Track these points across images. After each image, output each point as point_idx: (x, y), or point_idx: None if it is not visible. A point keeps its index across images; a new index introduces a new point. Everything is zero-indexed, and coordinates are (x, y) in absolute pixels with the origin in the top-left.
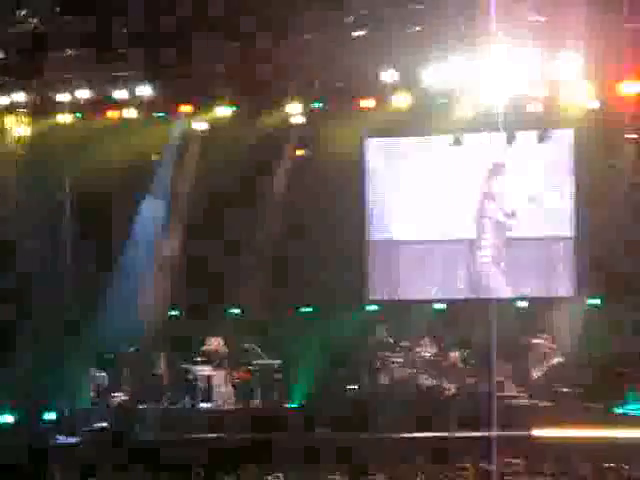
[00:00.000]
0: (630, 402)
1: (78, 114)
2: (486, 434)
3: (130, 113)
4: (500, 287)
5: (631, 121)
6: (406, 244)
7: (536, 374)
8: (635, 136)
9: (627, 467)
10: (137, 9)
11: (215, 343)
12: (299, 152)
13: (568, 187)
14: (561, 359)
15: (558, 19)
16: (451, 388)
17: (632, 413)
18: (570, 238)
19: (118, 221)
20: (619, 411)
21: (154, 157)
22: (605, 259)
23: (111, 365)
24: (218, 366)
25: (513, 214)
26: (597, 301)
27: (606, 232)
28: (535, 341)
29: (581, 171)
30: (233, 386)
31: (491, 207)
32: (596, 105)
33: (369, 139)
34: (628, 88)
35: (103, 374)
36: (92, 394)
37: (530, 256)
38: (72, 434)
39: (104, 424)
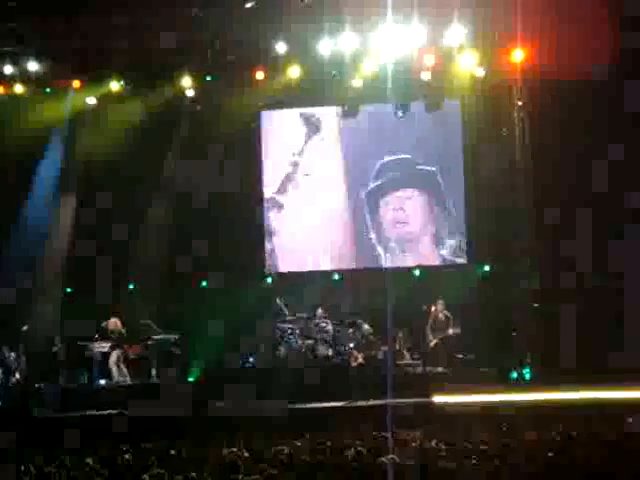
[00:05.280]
0: (523, 366)
1: None
2: (385, 402)
3: (19, 89)
4: None
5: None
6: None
7: (432, 342)
8: (521, 103)
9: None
10: None
11: (112, 320)
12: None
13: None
14: (458, 328)
15: None
16: (358, 357)
17: (525, 377)
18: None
19: (7, 198)
20: (514, 375)
21: (45, 133)
22: (493, 227)
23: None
24: (115, 343)
25: None
26: (486, 268)
27: (492, 201)
28: (432, 309)
29: (469, 139)
30: (130, 362)
31: None
32: (482, 73)
33: (263, 111)
34: (514, 56)
35: (13, 354)
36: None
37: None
38: None
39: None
